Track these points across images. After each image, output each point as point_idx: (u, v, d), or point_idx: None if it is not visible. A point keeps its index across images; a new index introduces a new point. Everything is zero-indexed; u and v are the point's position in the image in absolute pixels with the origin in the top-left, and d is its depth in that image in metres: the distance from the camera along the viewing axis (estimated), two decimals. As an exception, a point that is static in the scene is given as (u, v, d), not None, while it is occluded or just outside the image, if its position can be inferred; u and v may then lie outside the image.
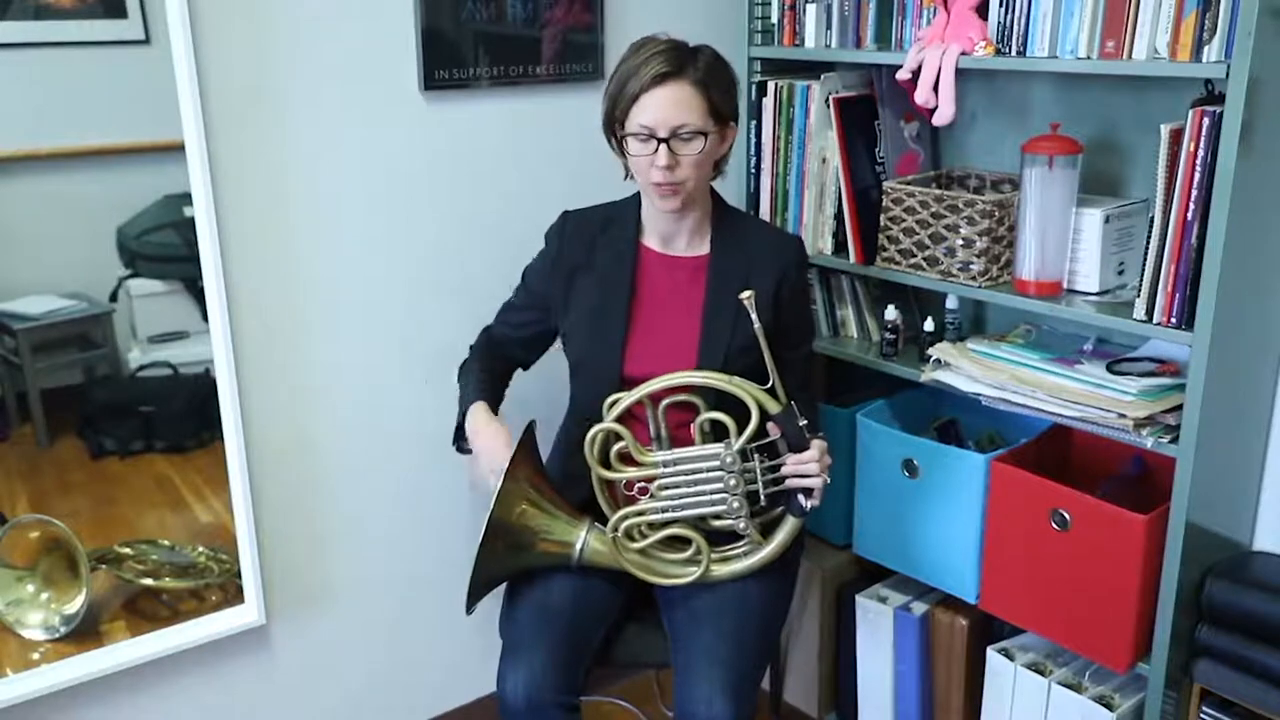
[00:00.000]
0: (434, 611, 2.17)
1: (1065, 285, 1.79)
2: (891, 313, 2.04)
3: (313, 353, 1.89)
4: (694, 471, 1.61)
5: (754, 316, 1.57)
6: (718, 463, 1.60)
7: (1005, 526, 1.84)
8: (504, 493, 1.59)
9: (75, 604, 1.71)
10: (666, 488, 1.62)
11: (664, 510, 1.63)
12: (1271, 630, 1.61)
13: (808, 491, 1.60)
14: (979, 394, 1.83)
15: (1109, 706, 1.77)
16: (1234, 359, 1.62)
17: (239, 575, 1.86)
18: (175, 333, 1.75)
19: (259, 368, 1.83)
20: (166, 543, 1.79)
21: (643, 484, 1.66)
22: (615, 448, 1.64)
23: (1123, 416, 1.64)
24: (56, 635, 1.70)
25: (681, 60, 1.59)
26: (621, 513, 1.63)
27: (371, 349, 1.96)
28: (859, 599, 2.10)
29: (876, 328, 2.16)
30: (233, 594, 1.86)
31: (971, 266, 1.85)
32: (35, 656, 1.69)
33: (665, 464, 1.62)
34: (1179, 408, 1.61)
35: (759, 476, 1.61)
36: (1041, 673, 1.86)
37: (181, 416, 1.78)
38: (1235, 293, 1.56)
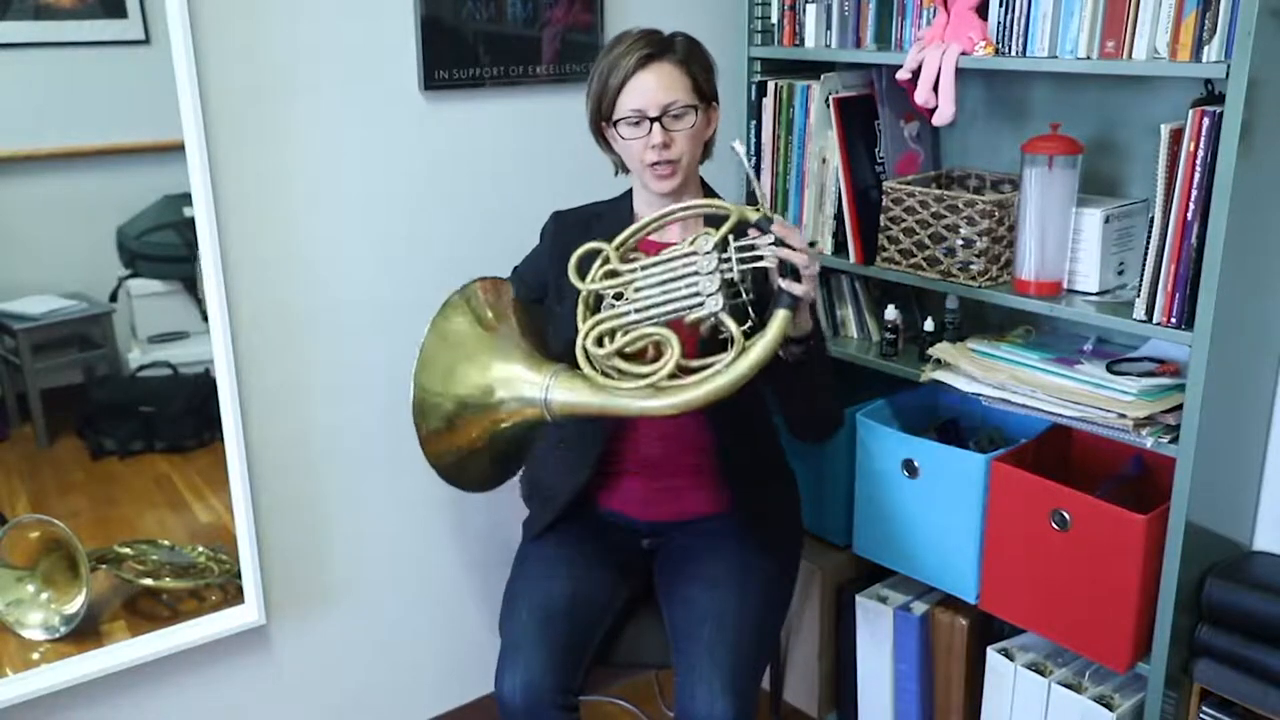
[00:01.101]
0: (434, 611, 2.17)
1: (1065, 285, 1.79)
2: (891, 313, 2.04)
3: (313, 353, 1.89)
4: (670, 270, 1.49)
5: (745, 159, 1.51)
6: (694, 256, 1.48)
7: (1005, 526, 1.84)
8: (425, 355, 1.50)
9: (75, 604, 1.71)
10: (641, 289, 1.50)
11: (637, 310, 1.49)
12: (1271, 630, 1.62)
13: (795, 279, 1.47)
14: (979, 394, 1.83)
15: (1109, 706, 1.77)
16: (1234, 359, 1.62)
17: (239, 575, 1.86)
18: (175, 333, 1.75)
19: (259, 368, 1.83)
20: (166, 543, 1.79)
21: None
22: (599, 268, 1.54)
23: (1123, 416, 1.64)
24: (56, 635, 1.71)
25: (660, 43, 1.62)
26: (592, 320, 1.51)
27: (371, 348, 1.96)
28: (859, 599, 2.10)
29: (876, 328, 2.16)
30: (233, 594, 1.86)
31: (971, 266, 1.85)
32: (35, 656, 1.69)
33: (643, 268, 1.52)
34: (1179, 408, 1.61)
35: (735, 261, 1.47)
36: (1041, 673, 1.86)
37: (181, 416, 1.78)
38: (1235, 293, 1.56)
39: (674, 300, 1.48)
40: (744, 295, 1.48)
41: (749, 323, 1.48)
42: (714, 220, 1.55)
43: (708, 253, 1.47)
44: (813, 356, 1.60)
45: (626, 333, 1.49)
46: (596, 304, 1.55)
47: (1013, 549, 1.83)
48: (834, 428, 1.79)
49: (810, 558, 2.16)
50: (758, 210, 1.50)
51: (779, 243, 1.47)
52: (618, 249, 1.54)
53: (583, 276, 1.54)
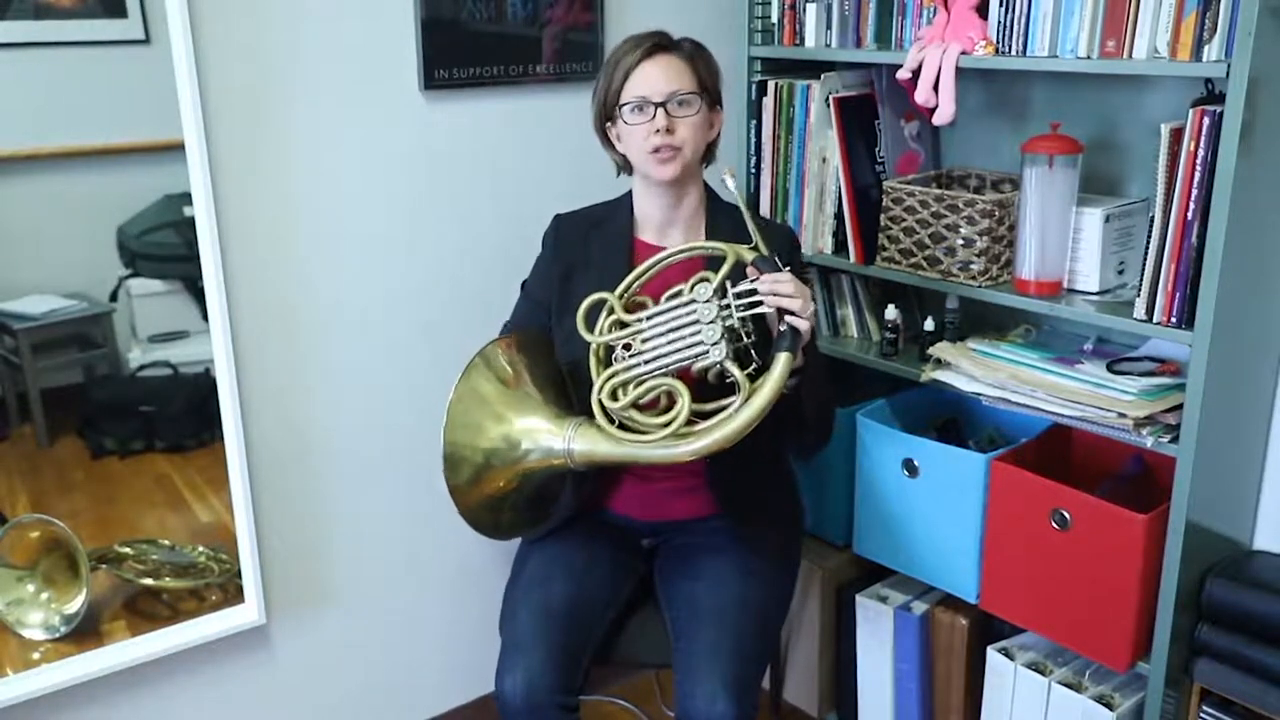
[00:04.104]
0: (434, 611, 2.17)
1: (1065, 285, 1.79)
2: (891, 312, 2.04)
3: (313, 353, 1.89)
4: (674, 319, 1.56)
5: (735, 193, 1.57)
6: (694, 304, 1.54)
7: (1005, 526, 1.84)
8: (456, 409, 1.56)
9: (75, 604, 1.71)
10: (648, 339, 1.57)
11: (646, 362, 1.56)
12: (1271, 630, 1.62)
13: (795, 328, 1.52)
14: (979, 393, 1.83)
15: (1109, 706, 1.77)
16: (1234, 359, 1.62)
17: (239, 575, 1.86)
18: (175, 332, 1.75)
19: (259, 368, 1.83)
20: (166, 542, 1.79)
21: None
22: (606, 319, 1.60)
23: (1123, 416, 1.64)
24: (56, 635, 1.71)
25: (668, 39, 1.66)
26: (606, 374, 1.57)
27: (371, 348, 1.96)
28: (859, 599, 2.10)
29: (876, 327, 2.16)
30: (233, 594, 1.86)
31: (971, 266, 1.85)
32: (35, 656, 1.69)
33: (648, 318, 1.58)
34: (1179, 407, 1.61)
35: (734, 309, 1.53)
36: (1041, 672, 1.86)
37: (181, 416, 1.78)
38: (1235, 292, 1.56)
39: (679, 350, 1.54)
40: (745, 339, 1.54)
41: (753, 365, 1.54)
42: (712, 261, 1.60)
43: (707, 301, 1.54)
44: (808, 382, 1.62)
45: (639, 384, 1.56)
46: (607, 355, 1.61)
47: (1013, 549, 1.83)
48: (828, 438, 1.80)
49: (810, 558, 2.16)
50: (753, 249, 1.56)
51: (772, 294, 1.51)
52: (621, 297, 1.60)
53: (590, 327, 1.60)
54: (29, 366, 1.64)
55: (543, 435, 1.60)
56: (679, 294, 1.58)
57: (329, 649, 2.04)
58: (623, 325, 1.60)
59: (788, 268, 1.58)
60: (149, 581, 1.78)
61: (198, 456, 1.80)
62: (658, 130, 1.61)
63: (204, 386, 1.77)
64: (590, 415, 1.59)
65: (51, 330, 1.64)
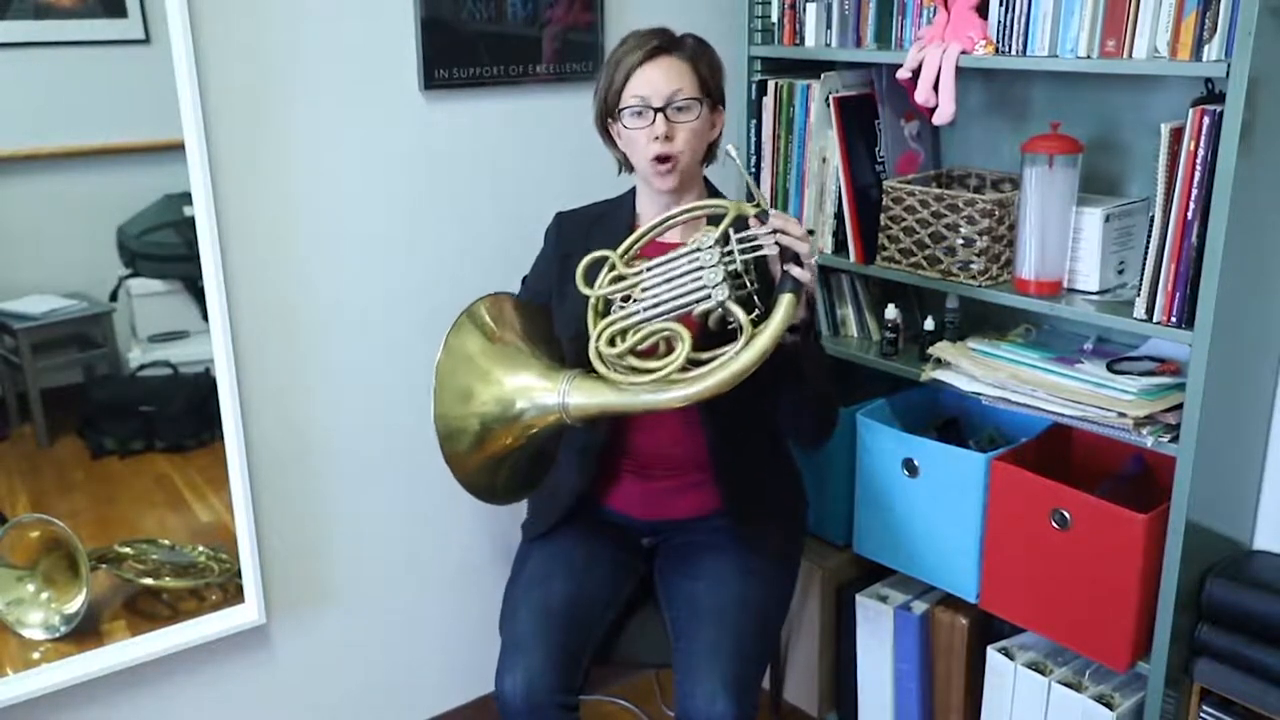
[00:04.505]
0: (434, 611, 2.17)
1: (1065, 284, 1.79)
2: (892, 312, 2.04)
3: (313, 353, 1.89)
4: (675, 267, 1.52)
5: (739, 163, 1.53)
6: (697, 252, 1.51)
7: (1005, 526, 1.84)
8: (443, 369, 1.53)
9: (75, 603, 1.71)
10: (648, 288, 1.53)
11: (646, 309, 1.52)
12: (1271, 630, 1.61)
13: (799, 266, 1.50)
14: (979, 393, 1.83)
15: (1109, 706, 1.77)
16: (1234, 358, 1.62)
17: (239, 575, 1.86)
18: (175, 332, 1.75)
19: (259, 368, 1.83)
20: (166, 542, 1.79)
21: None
22: (606, 274, 1.57)
23: (1123, 416, 1.64)
24: (56, 635, 1.71)
25: (670, 39, 1.65)
26: (603, 322, 1.54)
27: (371, 348, 1.96)
28: (859, 598, 2.10)
29: (877, 327, 2.16)
30: (233, 594, 1.86)
31: (971, 266, 1.85)
32: (35, 656, 1.69)
33: (648, 269, 1.54)
34: (1179, 407, 1.61)
35: (736, 252, 1.50)
36: (1041, 672, 1.86)
37: (181, 416, 1.78)
38: (1235, 292, 1.56)
39: (681, 295, 1.50)
40: (748, 285, 1.51)
41: (755, 311, 1.50)
42: (715, 219, 1.56)
43: (710, 247, 1.50)
44: (808, 350, 1.61)
45: (637, 331, 1.52)
46: (606, 309, 1.57)
47: (1013, 548, 1.83)
48: (830, 429, 1.79)
49: (810, 557, 2.16)
50: (755, 205, 1.52)
51: (779, 231, 1.49)
52: (623, 255, 1.57)
53: (590, 284, 1.56)
54: (29, 366, 1.64)
55: (537, 392, 1.56)
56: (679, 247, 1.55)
57: (329, 649, 2.04)
58: (622, 280, 1.56)
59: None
60: (149, 581, 1.78)
61: (198, 456, 1.80)
62: (657, 137, 1.61)
63: (204, 386, 1.77)
64: (587, 371, 1.55)
65: (51, 330, 1.64)
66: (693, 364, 1.49)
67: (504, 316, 1.64)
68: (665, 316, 1.51)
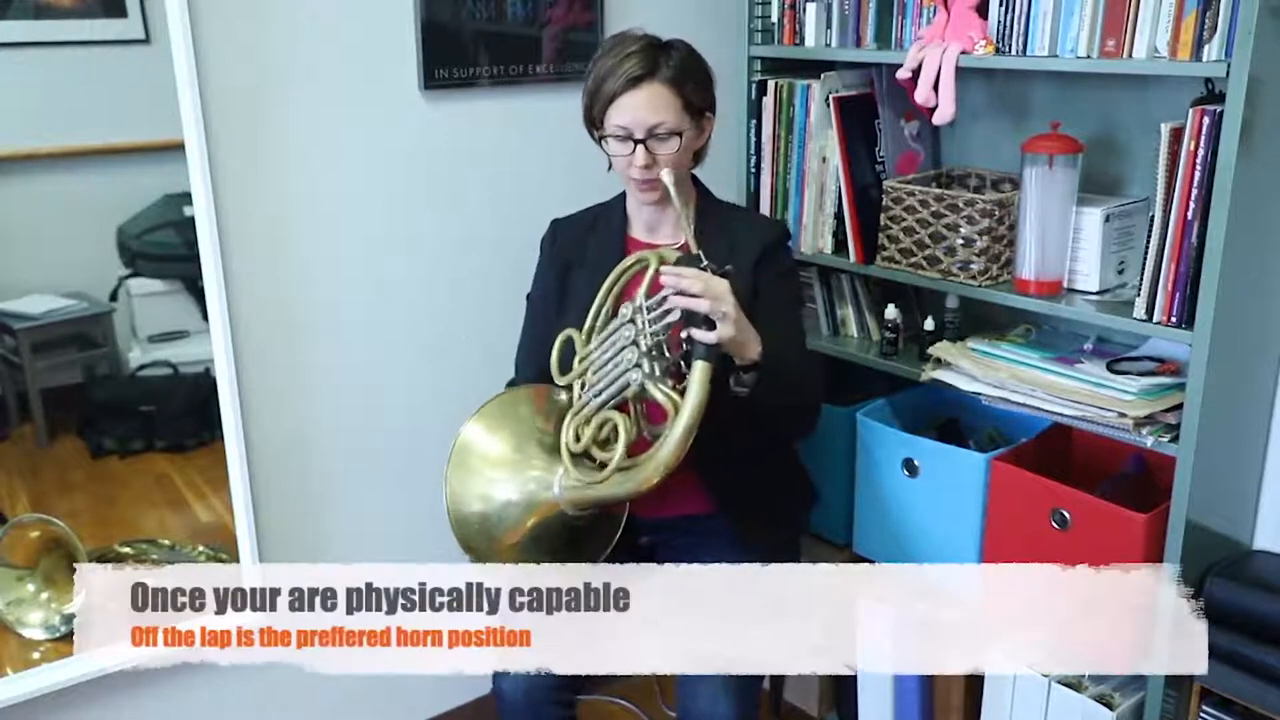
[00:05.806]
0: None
1: (1065, 284, 1.79)
2: (891, 312, 2.04)
3: (313, 352, 1.89)
4: (610, 344, 1.49)
5: (671, 189, 1.50)
6: (621, 325, 1.48)
7: (1005, 525, 1.83)
8: (454, 491, 1.55)
9: (75, 603, 1.71)
10: (595, 370, 1.52)
11: (594, 396, 1.51)
12: (1271, 630, 1.61)
13: (708, 326, 1.39)
14: (979, 393, 1.83)
15: (1109, 706, 1.77)
16: (1234, 358, 1.62)
17: (239, 575, 1.86)
18: (175, 332, 1.75)
19: (259, 367, 1.83)
20: (166, 542, 1.79)
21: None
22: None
23: (1123, 415, 1.64)
24: (56, 635, 1.70)
25: (654, 60, 1.60)
26: (569, 414, 1.55)
27: (371, 348, 1.96)
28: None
29: (877, 327, 2.16)
30: (233, 593, 1.86)
31: (971, 266, 1.85)
32: (35, 656, 1.69)
33: (597, 345, 1.53)
34: (1179, 407, 1.61)
35: (646, 324, 1.43)
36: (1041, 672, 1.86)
37: (181, 416, 1.78)
38: (1235, 292, 1.55)
39: (614, 379, 1.48)
40: (666, 355, 1.44)
41: (666, 358, 1.45)
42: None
43: (630, 320, 1.47)
44: (763, 386, 1.49)
45: (587, 422, 1.52)
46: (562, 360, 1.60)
47: (1013, 548, 1.83)
48: (815, 416, 1.73)
49: (810, 558, 2.15)
50: (680, 249, 1.50)
51: (678, 293, 1.40)
52: (586, 333, 1.58)
53: (564, 369, 1.57)
54: (29, 366, 1.64)
55: (543, 491, 1.55)
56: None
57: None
58: (585, 359, 1.56)
59: (727, 268, 1.43)
60: (149, 581, 1.78)
61: (198, 456, 1.80)
62: (636, 166, 1.60)
63: (204, 386, 1.77)
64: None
65: (51, 330, 1.64)
66: (653, 440, 1.45)
67: (512, 408, 1.63)
68: (608, 405, 1.49)
